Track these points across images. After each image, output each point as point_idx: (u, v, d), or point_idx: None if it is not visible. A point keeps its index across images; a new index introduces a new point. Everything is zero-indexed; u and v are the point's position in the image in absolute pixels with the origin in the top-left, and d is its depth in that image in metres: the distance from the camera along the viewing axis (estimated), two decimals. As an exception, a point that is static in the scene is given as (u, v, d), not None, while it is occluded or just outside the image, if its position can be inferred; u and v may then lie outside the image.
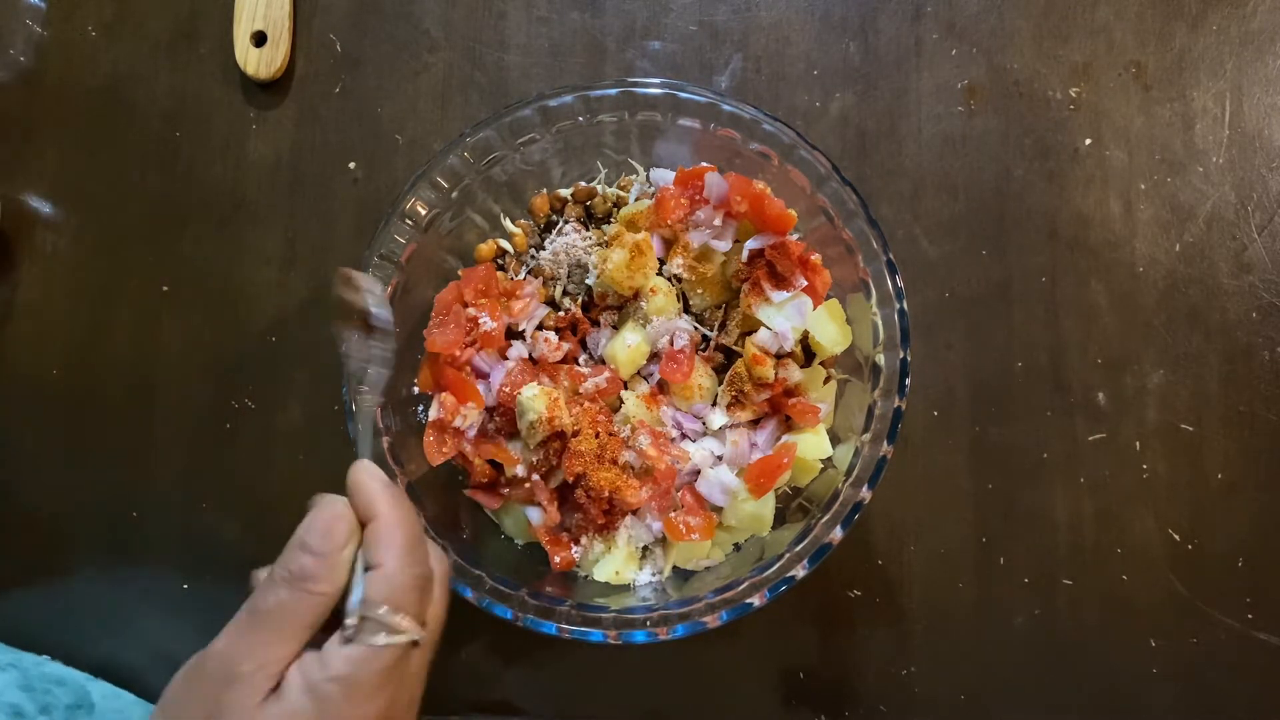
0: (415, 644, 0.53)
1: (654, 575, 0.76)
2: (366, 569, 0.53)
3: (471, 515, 0.78)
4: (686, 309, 0.78)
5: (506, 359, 0.77)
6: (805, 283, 0.73)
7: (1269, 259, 0.85)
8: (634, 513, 0.75)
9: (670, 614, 0.68)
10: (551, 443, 0.74)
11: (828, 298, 0.75)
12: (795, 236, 0.75)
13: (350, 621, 0.52)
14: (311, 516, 0.54)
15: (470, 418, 0.73)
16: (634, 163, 0.81)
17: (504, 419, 0.75)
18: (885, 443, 0.69)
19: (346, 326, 0.66)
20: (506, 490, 0.76)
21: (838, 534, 0.68)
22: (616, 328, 0.78)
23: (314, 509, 0.55)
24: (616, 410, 0.76)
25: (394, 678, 0.52)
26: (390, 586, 0.53)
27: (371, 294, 0.67)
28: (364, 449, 0.64)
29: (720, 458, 0.76)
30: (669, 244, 0.77)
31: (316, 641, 0.53)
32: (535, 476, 0.74)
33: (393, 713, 0.53)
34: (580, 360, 0.79)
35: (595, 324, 0.79)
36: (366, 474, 0.56)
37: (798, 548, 0.69)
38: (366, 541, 0.54)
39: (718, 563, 0.77)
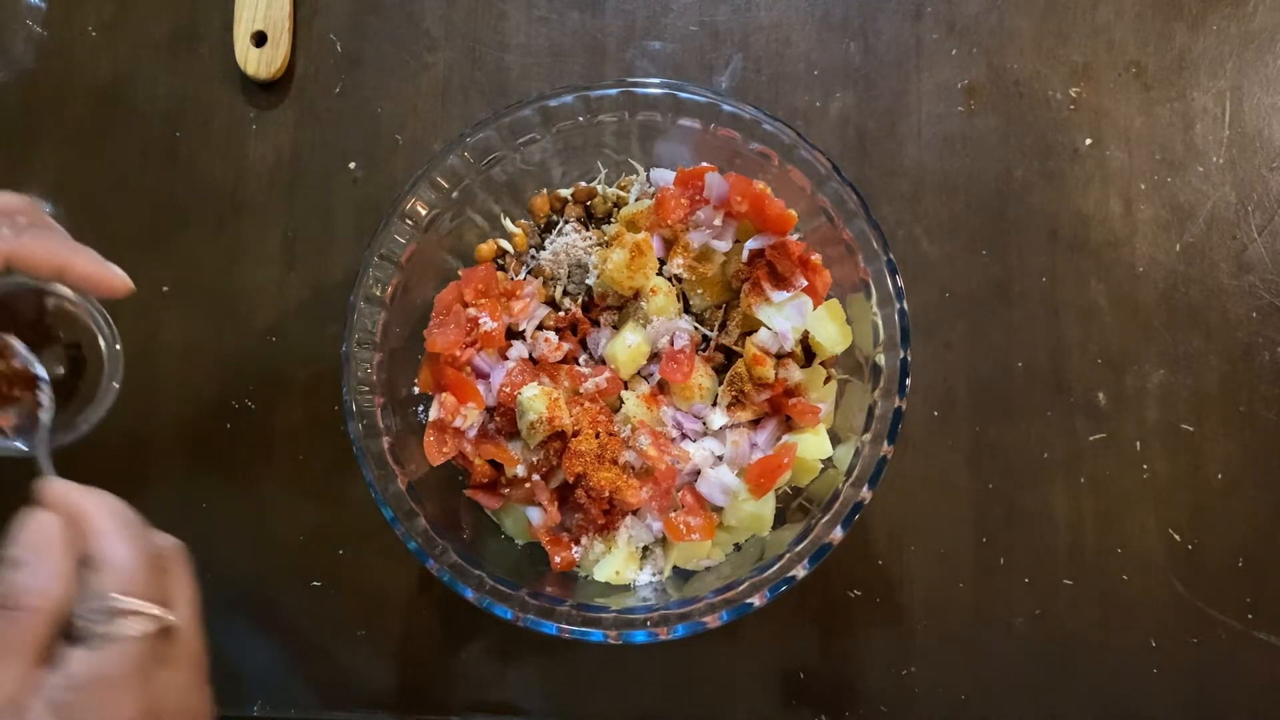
0: (165, 627, 0.49)
1: (654, 575, 0.76)
2: (88, 566, 0.49)
3: (472, 515, 0.78)
4: (686, 309, 0.78)
5: (506, 359, 0.77)
6: (805, 283, 0.73)
7: (1269, 259, 0.85)
8: (634, 513, 0.75)
9: (670, 614, 0.68)
10: (551, 443, 0.74)
11: (828, 298, 0.75)
12: (795, 236, 0.75)
13: (82, 621, 0.47)
14: (13, 533, 0.49)
15: (470, 418, 0.73)
16: (634, 163, 0.81)
17: (504, 419, 0.75)
18: (885, 443, 0.69)
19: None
20: (507, 490, 0.76)
21: (838, 534, 0.68)
22: (616, 328, 0.78)
23: (16, 528, 0.50)
24: (617, 410, 0.76)
25: (149, 667, 0.49)
26: (118, 573, 0.48)
27: (20, 348, 0.60)
28: (47, 468, 0.58)
29: (720, 458, 0.76)
30: (669, 244, 0.77)
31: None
32: (535, 476, 0.74)
33: (163, 705, 0.49)
34: (580, 360, 0.79)
35: (595, 324, 0.79)
36: (54, 484, 0.52)
37: (798, 548, 0.69)
38: (82, 539, 0.50)
39: (718, 563, 0.77)
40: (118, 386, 0.63)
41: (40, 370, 0.60)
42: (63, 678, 0.47)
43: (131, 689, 0.47)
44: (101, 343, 0.63)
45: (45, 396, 0.60)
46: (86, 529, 0.50)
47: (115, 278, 0.60)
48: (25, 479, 0.56)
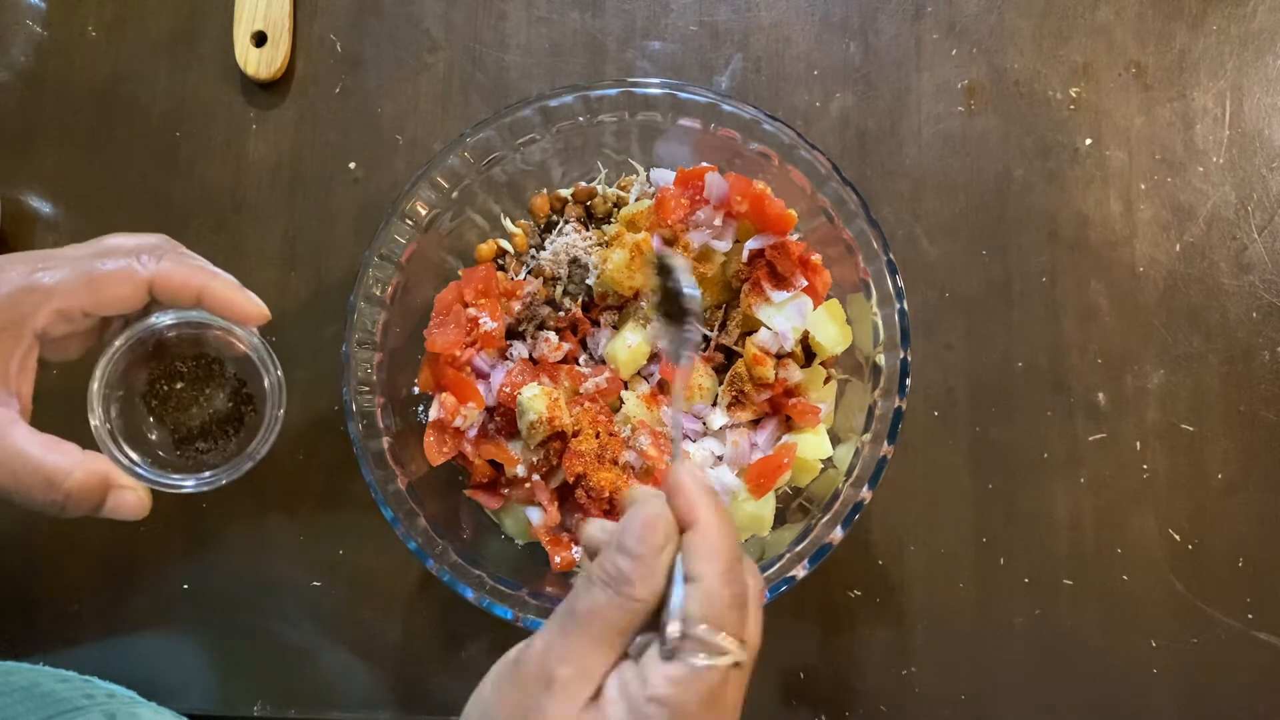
0: (737, 665, 0.48)
1: (654, 575, 0.75)
2: (686, 578, 0.49)
3: (472, 515, 0.78)
4: (687, 309, 0.78)
5: (507, 359, 0.77)
6: (805, 283, 0.73)
7: (1269, 259, 0.85)
8: (634, 513, 0.75)
9: (670, 614, 0.68)
10: (552, 443, 0.74)
11: (828, 298, 0.75)
12: (795, 236, 0.75)
13: (672, 635, 0.47)
14: (629, 516, 0.50)
15: (470, 418, 0.73)
16: (634, 163, 0.81)
17: (504, 419, 0.75)
18: (885, 443, 0.69)
19: (657, 311, 0.61)
20: (507, 490, 0.76)
21: (838, 534, 0.68)
22: (617, 328, 0.78)
23: (632, 507, 0.50)
24: (617, 410, 0.76)
25: (716, 701, 0.48)
26: (710, 603, 0.48)
27: (684, 273, 0.60)
28: (678, 451, 0.57)
29: (720, 458, 0.76)
30: (669, 244, 0.77)
31: (630, 649, 0.49)
32: (535, 476, 0.74)
33: None
34: (580, 360, 0.79)
35: (595, 324, 0.79)
36: (690, 476, 0.51)
37: (798, 548, 0.69)
38: (686, 549, 0.49)
39: (718, 563, 0.77)
40: (282, 414, 0.66)
41: (698, 300, 0.59)
42: (642, 684, 0.47)
43: (699, 718, 0.47)
44: (264, 373, 0.66)
45: (696, 331, 0.60)
46: (695, 540, 0.49)
47: (251, 304, 0.63)
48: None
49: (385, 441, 0.72)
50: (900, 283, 0.71)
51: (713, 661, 0.47)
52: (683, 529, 0.50)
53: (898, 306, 0.71)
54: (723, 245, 0.75)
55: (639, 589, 0.48)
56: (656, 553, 0.48)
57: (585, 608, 0.48)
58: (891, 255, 0.71)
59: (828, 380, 0.77)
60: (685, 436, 0.77)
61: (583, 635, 0.48)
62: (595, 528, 0.54)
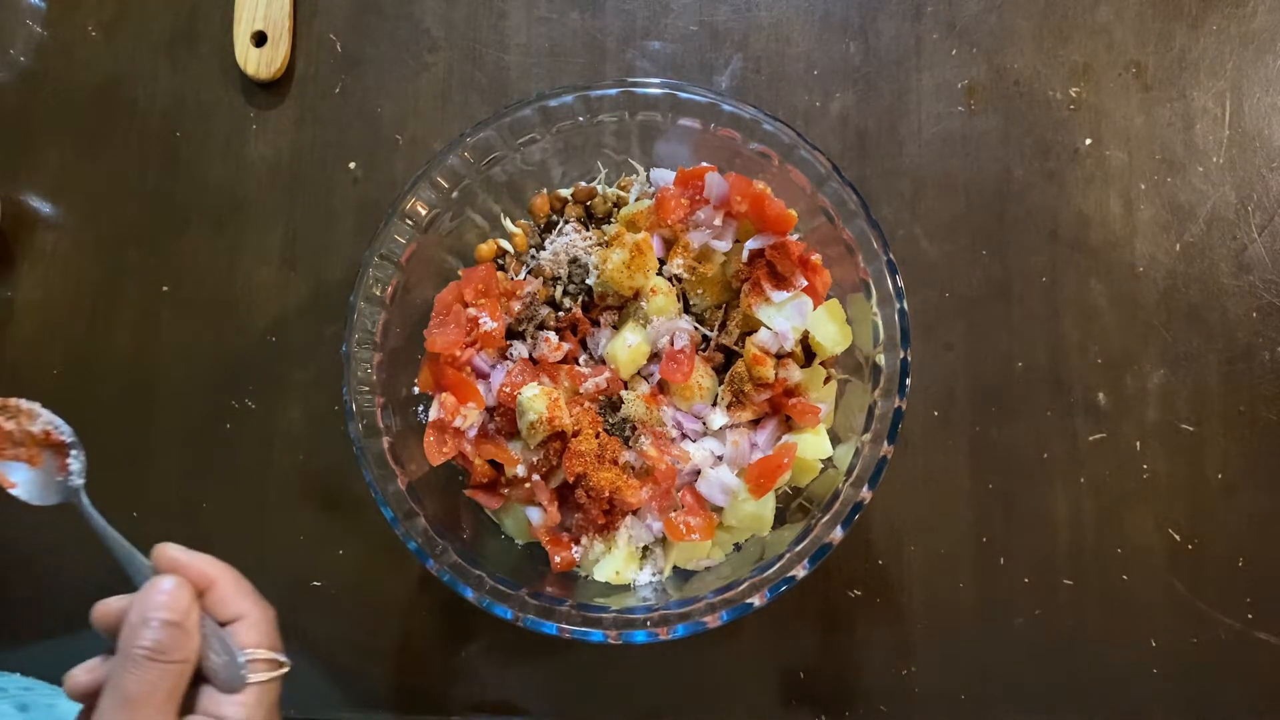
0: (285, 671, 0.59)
1: (654, 575, 0.76)
2: (225, 621, 0.58)
3: (472, 515, 0.78)
4: (687, 309, 0.78)
5: (507, 359, 0.77)
6: (805, 283, 0.73)
7: (1269, 259, 0.85)
8: (634, 513, 0.75)
9: (670, 614, 0.68)
10: (552, 443, 0.74)
11: (828, 298, 0.75)
12: (795, 236, 0.75)
13: (240, 666, 0.56)
14: (146, 595, 0.56)
15: (470, 418, 0.73)
16: (634, 163, 0.81)
17: (504, 419, 0.75)
18: (885, 443, 0.69)
19: (17, 458, 0.63)
20: (507, 490, 0.76)
21: (838, 534, 0.68)
22: (617, 328, 0.78)
23: (143, 591, 0.56)
24: (608, 411, 0.76)
25: (274, 706, 0.59)
26: (261, 630, 0.59)
27: (43, 411, 0.63)
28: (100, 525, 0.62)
29: (720, 458, 0.76)
30: (669, 244, 0.77)
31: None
32: (535, 476, 0.74)
33: None
34: (580, 360, 0.79)
35: (595, 324, 0.79)
36: (180, 550, 0.59)
37: (798, 548, 0.69)
38: (219, 600, 0.58)
39: (718, 563, 0.77)
40: None
41: (68, 435, 0.63)
42: None
43: None
44: None
45: (76, 461, 0.64)
46: (225, 590, 0.59)
47: None
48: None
49: (385, 441, 0.72)
50: (900, 283, 0.71)
51: (275, 674, 0.58)
52: (200, 591, 0.58)
53: (898, 306, 0.71)
54: (723, 245, 0.75)
55: (183, 651, 0.54)
56: (187, 615, 0.55)
57: (137, 688, 0.53)
58: (891, 255, 0.71)
59: (828, 380, 0.77)
60: (685, 436, 0.77)
61: (144, 712, 0.53)
62: (113, 603, 0.58)
